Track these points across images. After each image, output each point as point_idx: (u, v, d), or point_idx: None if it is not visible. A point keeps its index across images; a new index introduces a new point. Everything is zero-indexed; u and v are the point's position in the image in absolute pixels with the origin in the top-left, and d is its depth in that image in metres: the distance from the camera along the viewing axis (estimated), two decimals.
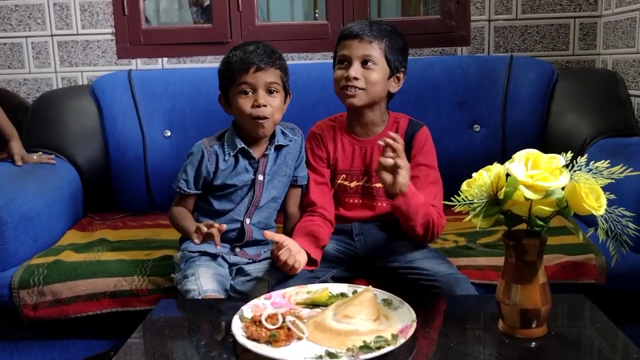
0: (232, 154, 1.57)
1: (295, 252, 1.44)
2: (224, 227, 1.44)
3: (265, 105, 1.52)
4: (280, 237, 1.46)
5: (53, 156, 2.10)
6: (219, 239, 1.42)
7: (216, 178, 1.58)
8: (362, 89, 1.53)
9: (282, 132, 1.63)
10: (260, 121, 1.52)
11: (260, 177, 1.59)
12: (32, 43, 2.52)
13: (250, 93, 1.52)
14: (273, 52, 1.55)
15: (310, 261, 1.49)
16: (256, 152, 1.60)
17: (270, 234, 1.45)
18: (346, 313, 1.13)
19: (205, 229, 1.42)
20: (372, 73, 1.53)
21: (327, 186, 1.64)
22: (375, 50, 1.53)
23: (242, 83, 1.52)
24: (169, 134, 2.24)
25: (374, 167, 1.57)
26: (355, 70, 1.52)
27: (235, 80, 1.54)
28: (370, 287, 1.23)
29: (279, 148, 1.62)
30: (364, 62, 1.53)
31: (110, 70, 2.49)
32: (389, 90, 1.60)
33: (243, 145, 1.57)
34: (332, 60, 1.64)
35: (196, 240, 1.44)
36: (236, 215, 1.60)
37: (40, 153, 2.07)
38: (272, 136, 1.61)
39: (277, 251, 1.44)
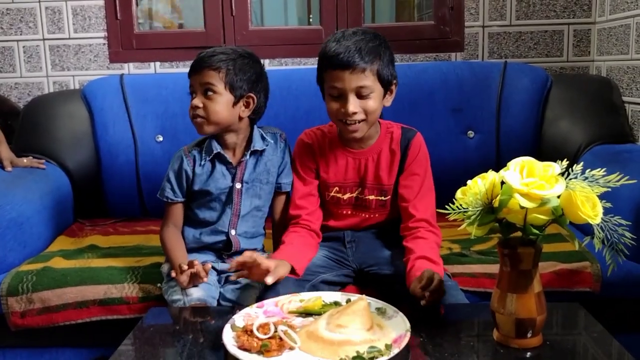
0: (208, 158, 1.56)
1: (274, 265, 1.36)
2: (209, 266, 1.43)
3: (198, 107, 1.50)
4: (245, 257, 1.36)
5: (43, 161, 2.09)
6: (204, 274, 1.40)
7: (194, 183, 1.57)
8: (362, 120, 1.47)
9: (262, 137, 1.60)
10: (196, 120, 1.52)
11: (238, 185, 1.57)
12: (23, 47, 2.50)
13: (194, 95, 1.53)
14: (216, 53, 1.51)
15: (294, 274, 1.43)
16: (233, 158, 1.58)
17: (234, 263, 1.37)
18: (339, 322, 1.11)
19: (186, 268, 1.40)
20: (369, 102, 1.45)
21: (314, 197, 1.60)
22: (369, 78, 1.43)
23: (189, 85, 1.54)
24: (161, 139, 2.22)
25: (368, 179, 1.56)
26: (353, 104, 1.43)
27: None
28: (363, 295, 1.21)
29: (257, 153, 1.59)
30: (359, 93, 1.44)
31: (102, 74, 2.47)
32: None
33: (219, 150, 1.56)
34: None
35: (183, 283, 1.41)
36: (220, 227, 1.59)
37: (31, 157, 2.06)
38: (249, 141, 1.59)
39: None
